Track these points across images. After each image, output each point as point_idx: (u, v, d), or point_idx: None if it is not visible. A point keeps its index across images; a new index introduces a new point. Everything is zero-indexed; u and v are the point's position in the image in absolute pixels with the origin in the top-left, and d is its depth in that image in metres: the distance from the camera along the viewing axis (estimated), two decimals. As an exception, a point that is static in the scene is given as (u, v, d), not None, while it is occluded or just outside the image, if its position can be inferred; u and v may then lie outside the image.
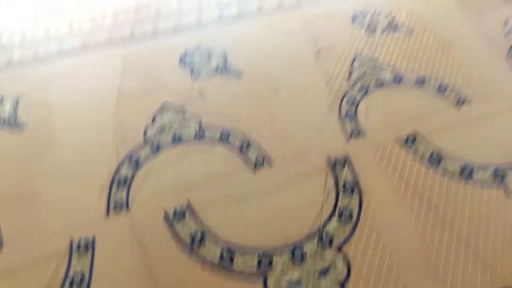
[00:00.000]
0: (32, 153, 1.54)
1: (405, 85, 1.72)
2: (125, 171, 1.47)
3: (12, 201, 1.41)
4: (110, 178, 1.44)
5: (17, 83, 1.77)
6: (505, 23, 2.02)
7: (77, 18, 2.09)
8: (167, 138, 1.57)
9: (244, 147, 1.53)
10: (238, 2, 2.18)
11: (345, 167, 1.46)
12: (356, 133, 1.55)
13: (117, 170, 1.47)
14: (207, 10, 2.15)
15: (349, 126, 1.58)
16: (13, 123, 1.63)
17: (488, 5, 2.13)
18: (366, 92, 1.70)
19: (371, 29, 1.98)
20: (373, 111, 1.63)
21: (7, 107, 1.67)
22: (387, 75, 1.76)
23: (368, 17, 2.05)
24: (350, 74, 1.77)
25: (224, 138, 1.56)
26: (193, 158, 1.51)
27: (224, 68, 1.83)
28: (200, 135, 1.57)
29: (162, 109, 1.66)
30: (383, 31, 1.97)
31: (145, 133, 1.58)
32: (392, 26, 1.99)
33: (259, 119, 1.62)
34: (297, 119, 1.62)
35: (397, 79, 1.74)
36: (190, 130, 1.59)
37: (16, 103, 1.69)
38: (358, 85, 1.72)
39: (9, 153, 1.55)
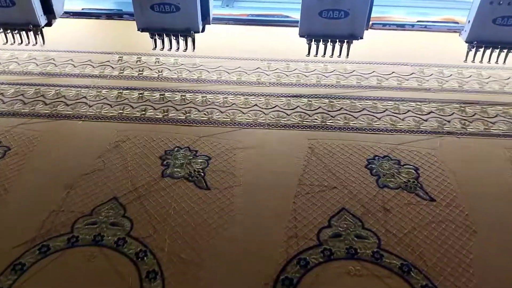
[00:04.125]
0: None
1: None
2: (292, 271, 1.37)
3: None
4: (275, 276, 1.35)
5: (211, 146, 1.88)
6: None
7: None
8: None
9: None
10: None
11: None
12: None
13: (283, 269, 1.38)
14: (402, 115, 2.05)
15: None
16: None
17: None
18: None
19: None
20: None
21: (199, 166, 1.77)
22: None
23: None
24: None
25: (404, 271, 1.36)
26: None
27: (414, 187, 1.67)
28: (376, 257, 1.41)
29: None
30: None
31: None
32: None
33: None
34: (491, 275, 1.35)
35: None
36: (367, 248, 1.44)
37: (207, 164, 1.78)
38: None
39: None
